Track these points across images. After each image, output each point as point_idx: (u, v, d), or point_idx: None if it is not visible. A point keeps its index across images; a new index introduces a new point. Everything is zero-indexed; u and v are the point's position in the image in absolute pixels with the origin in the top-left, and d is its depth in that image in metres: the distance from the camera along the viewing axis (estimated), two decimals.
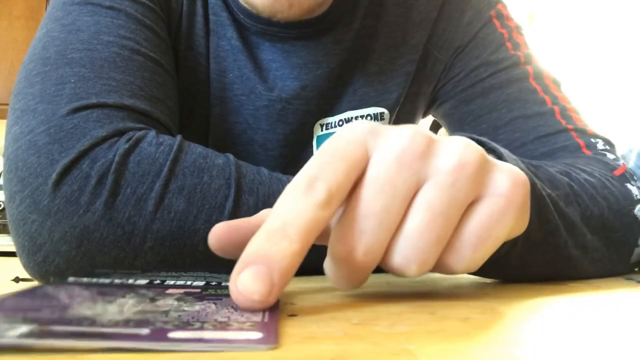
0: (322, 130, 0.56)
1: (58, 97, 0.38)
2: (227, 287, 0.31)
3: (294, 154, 0.58)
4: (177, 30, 0.52)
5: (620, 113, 1.93)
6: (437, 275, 0.61)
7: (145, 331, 0.18)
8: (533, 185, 0.34)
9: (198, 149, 0.39)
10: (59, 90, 0.38)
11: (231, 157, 0.40)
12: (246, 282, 0.21)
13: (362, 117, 0.56)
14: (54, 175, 0.35)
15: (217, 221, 0.35)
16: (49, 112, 0.37)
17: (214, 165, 0.38)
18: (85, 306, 0.21)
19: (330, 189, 0.23)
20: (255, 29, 0.53)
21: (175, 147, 0.37)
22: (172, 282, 0.31)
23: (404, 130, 0.25)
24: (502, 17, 0.59)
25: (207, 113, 0.55)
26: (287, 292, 0.34)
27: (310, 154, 0.55)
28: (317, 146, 0.56)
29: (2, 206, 2.25)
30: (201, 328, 0.19)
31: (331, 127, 0.56)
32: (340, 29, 0.55)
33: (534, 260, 0.38)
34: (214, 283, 0.32)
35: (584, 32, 2.14)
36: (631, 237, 0.46)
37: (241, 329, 0.19)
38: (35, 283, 0.38)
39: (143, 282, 0.31)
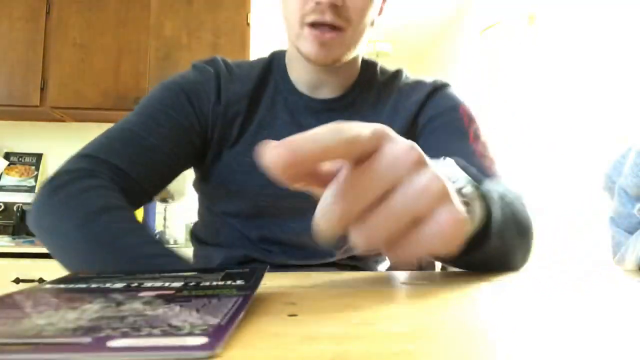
0: None
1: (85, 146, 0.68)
2: (204, 288, 0.30)
3: None
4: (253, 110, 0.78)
5: (620, 112, 1.93)
6: (436, 274, 0.61)
7: (86, 340, 0.19)
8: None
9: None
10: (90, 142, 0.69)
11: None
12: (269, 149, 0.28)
13: None
14: (49, 179, 0.63)
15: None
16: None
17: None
18: (43, 315, 0.22)
19: (349, 139, 0.30)
20: (301, 103, 0.79)
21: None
22: (149, 284, 0.32)
23: (408, 142, 0.32)
24: (468, 114, 0.79)
25: None
26: (287, 292, 0.34)
27: None
28: None
29: (3, 207, 2.26)
30: (148, 334, 0.19)
31: None
32: (358, 103, 0.81)
33: (502, 240, 0.50)
34: (192, 283, 0.32)
35: (585, 32, 2.14)
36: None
37: (190, 334, 0.20)
38: (31, 285, 0.38)
39: (120, 285, 0.31)
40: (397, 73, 0.84)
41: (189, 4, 2.34)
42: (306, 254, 0.77)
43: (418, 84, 0.82)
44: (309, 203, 0.32)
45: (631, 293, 0.41)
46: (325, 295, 0.35)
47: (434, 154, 0.71)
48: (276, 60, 0.81)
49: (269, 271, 0.40)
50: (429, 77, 0.85)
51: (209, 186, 0.77)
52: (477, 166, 0.68)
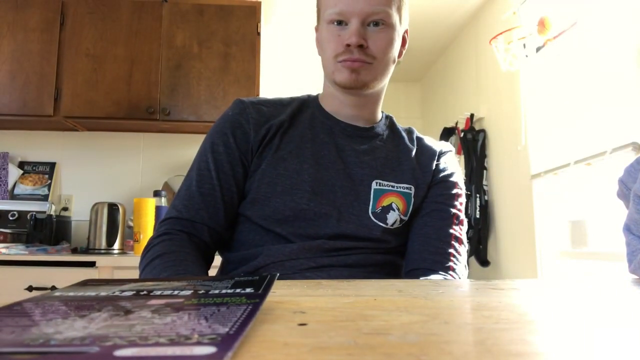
0: (377, 186, 0.89)
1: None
2: (213, 296, 0.30)
3: (358, 195, 0.89)
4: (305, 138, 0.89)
5: (636, 116, 1.90)
6: (450, 284, 0.61)
7: (94, 349, 0.18)
8: None
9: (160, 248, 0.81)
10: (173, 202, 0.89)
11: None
12: None
13: (395, 189, 0.89)
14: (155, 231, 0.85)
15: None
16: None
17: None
18: (51, 323, 0.22)
19: None
20: (337, 128, 0.91)
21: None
22: (158, 292, 0.31)
23: None
24: (460, 181, 0.96)
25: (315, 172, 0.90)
26: (297, 300, 0.34)
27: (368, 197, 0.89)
28: (374, 195, 0.87)
29: (16, 215, 2.28)
30: (156, 344, 0.19)
31: (382, 186, 0.89)
32: (385, 135, 0.94)
33: None
34: (201, 292, 0.32)
35: (595, 36, 2.12)
36: None
37: (199, 343, 0.19)
38: (44, 292, 0.38)
39: (130, 293, 0.31)
40: (411, 128, 1.01)
41: (200, 14, 2.36)
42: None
43: (430, 143, 0.97)
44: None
45: (632, 297, 0.40)
46: (335, 303, 0.35)
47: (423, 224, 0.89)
48: (309, 99, 0.95)
49: (279, 279, 0.40)
50: (433, 140, 0.99)
51: (250, 195, 0.85)
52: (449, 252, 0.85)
